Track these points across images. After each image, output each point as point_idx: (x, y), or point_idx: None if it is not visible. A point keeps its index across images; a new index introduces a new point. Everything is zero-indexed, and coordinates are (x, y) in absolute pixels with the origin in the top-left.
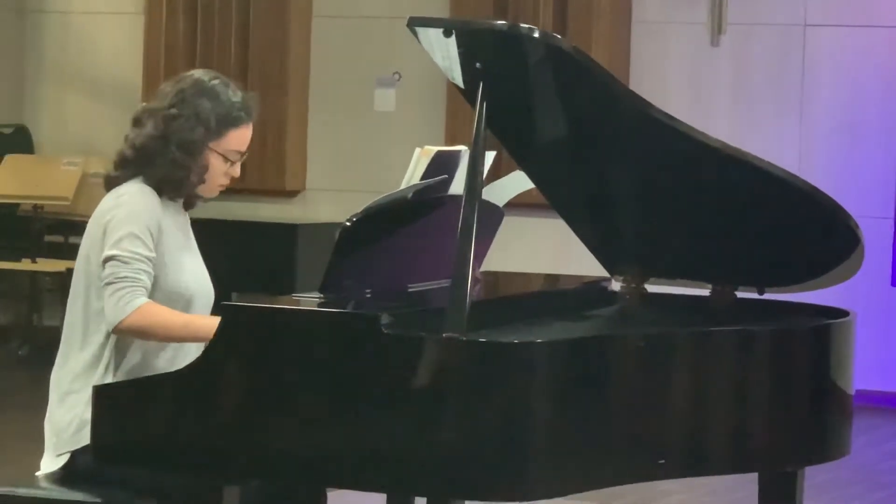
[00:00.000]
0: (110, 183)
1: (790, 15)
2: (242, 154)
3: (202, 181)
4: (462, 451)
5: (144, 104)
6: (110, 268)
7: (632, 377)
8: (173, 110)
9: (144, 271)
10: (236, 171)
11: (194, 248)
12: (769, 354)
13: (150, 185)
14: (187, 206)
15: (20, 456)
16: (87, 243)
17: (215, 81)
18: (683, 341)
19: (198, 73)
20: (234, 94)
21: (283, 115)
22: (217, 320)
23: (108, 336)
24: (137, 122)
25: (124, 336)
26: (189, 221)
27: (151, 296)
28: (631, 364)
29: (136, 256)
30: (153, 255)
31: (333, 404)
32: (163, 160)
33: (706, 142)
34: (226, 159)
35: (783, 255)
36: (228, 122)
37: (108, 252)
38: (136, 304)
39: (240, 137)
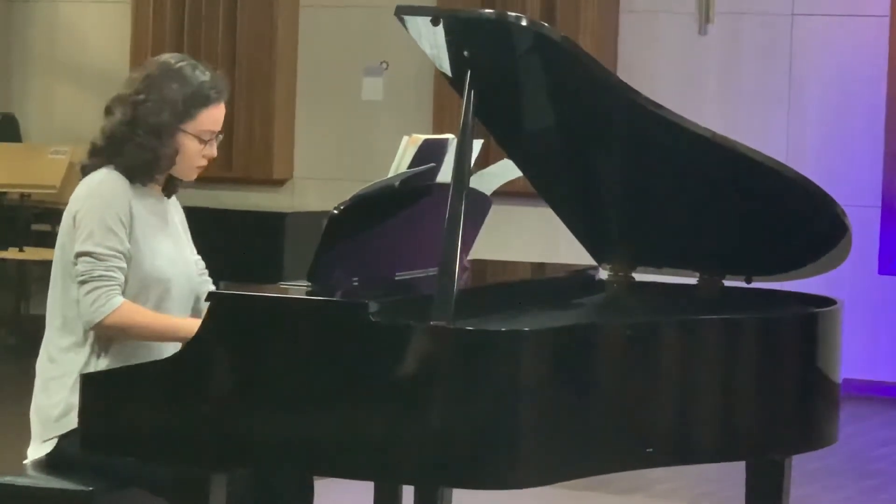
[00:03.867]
0: (85, 171)
1: (778, 4)
2: (216, 133)
3: (173, 163)
4: (449, 440)
5: (116, 94)
6: (84, 264)
7: (619, 365)
8: (140, 96)
9: (118, 268)
10: (212, 151)
11: (175, 234)
12: (756, 343)
13: (119, 171)
14: (168, 191)
15: (7, 445)
16: (61, 232)
17: (182, 63)
18: (671, 330)
19: (164, 57)
20: (203, 74)
21: (270, 103)
22: (194, 322)
23: None
24: (108, 111)
25: (103, 333)
26: (172, 207)
27: (128, 282)
28: (618, 352)
29: (110, 252)
30: (126, 246)
31: (321, 392)
32: (131, 146)
33: (694, 130)
34: (200, 140)
35: (771, 243)
36: (198, 102)
37: (82, 247)
38: (113, 305)
39: (211, 117)
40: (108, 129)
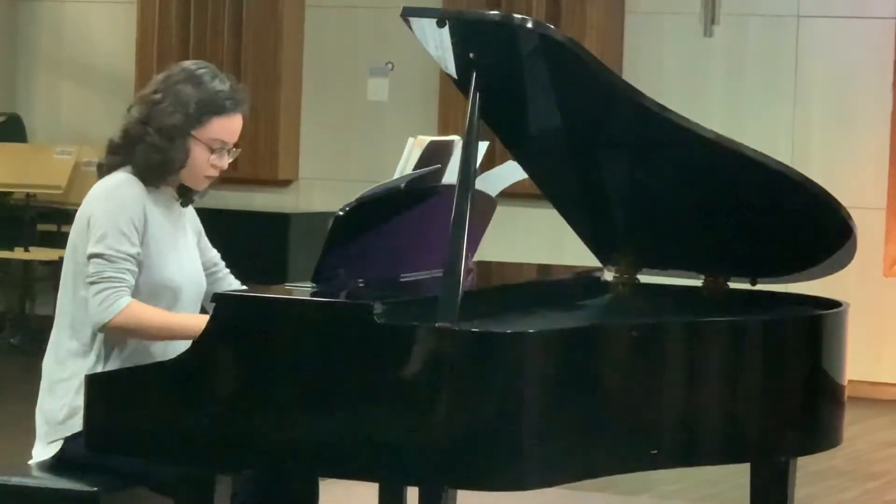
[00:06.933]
0: (101, 170)
1: (784, 5)
2: (228, 144)
3: (183, 166)
4: (455, 441)
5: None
6: (95, 266)
7: (624, 367)
8: (157, 95)
9: (129, 270)
10: (223, 162)
11: (187, 240)
12: (761, 345)
13: (135, 174)
14: (184, 201)
15: (13, 445)
16: (74, 233)
17: (203, 70)
18: (676, 332)
19: (188, 62)
20: (222, 84)
21: (275, 104)
22: (203, 319)
23: None
24: (129, 109)
25: (111, 335)
26: (186, 214)
27: (139, 287)
28: (623, 354)
29: (121, 255)
30: (138, 250)
31: (326, 394)
32: (142, 145)
33: (700, 132)
34: (209, 149)
35: (776, 245)
36: (210, 109)
37: (93, 249)
38: (120, 305)
39: (223, 126)
40: (124, 127)
